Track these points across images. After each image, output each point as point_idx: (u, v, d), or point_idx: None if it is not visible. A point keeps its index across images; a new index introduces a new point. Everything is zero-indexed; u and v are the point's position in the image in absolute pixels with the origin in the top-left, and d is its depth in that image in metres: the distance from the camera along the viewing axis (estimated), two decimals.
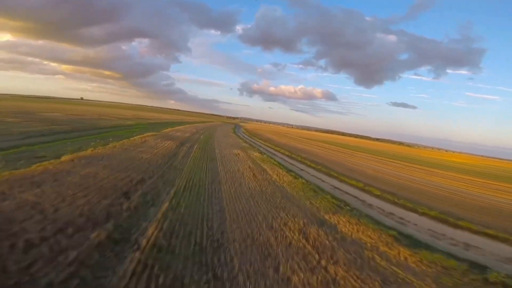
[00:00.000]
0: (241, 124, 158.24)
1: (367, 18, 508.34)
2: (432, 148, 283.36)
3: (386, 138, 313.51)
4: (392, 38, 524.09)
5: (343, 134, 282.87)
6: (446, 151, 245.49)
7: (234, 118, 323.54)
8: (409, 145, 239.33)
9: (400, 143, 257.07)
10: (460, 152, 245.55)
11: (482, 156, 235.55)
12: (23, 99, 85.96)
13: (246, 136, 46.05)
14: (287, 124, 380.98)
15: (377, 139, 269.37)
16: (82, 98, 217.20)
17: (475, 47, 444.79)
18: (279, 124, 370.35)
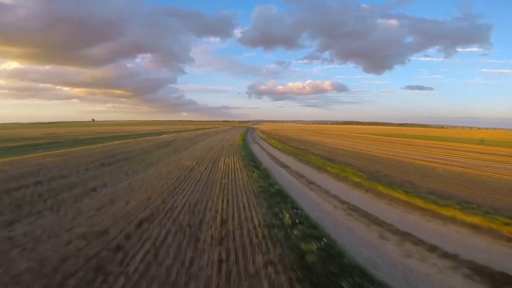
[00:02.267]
0: (254, 126, 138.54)
1: (364, 5, 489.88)
2: (463, 127, 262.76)
3: (410, 122, 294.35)
4: (393, 22, 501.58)
5: (363, 123, 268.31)
6: (479, 128, 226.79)
7: (246, 122, 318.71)
8: (437, 127, 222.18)
9: (426, 126, 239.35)
10: (487, 128, 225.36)
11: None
12: (49, 126, 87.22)
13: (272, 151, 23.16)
14: (301, 121, 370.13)
15: (401, 125, 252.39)
16: (93, 120, 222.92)
17: (480, 23, 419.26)
18: (292, 122, 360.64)
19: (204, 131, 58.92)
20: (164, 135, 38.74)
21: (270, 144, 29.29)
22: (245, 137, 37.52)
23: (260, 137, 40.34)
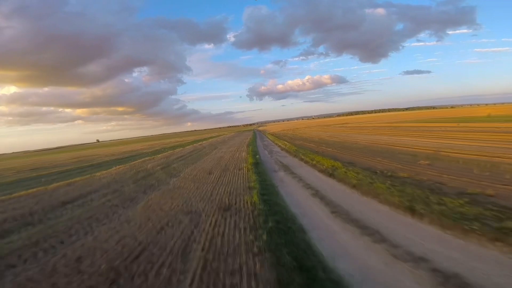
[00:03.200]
0: (260, 129, 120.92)
1: None
2: (471, 105, 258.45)
3: (416, 106, 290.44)
4: (381, 11, 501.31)
5: (369, 112, 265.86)
6: (486, 104, 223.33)
7: (250, 125, 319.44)
8: (445, 108, 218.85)
9: (432, 107, 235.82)
10: (494, 104, 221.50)
11: None
12: (59, 151, 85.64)
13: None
14: (306, 117, 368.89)
15: (407, 109, 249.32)
16: (98, 141, 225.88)
17: (464, 6, 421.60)
18: (297, 119, 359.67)
19: (200, 144, 42.22)
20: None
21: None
22: (255, 151, 20.58)
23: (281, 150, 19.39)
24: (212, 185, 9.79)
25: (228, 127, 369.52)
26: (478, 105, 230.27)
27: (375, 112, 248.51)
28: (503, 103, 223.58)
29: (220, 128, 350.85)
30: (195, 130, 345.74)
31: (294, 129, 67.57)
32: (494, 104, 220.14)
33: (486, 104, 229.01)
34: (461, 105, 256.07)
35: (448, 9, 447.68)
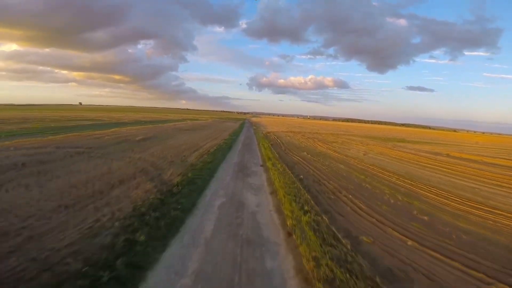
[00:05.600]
0: (253, 119, 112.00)
1: (374, 3, 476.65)
2: (467, 130, 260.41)
3: (411, 122, 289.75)
4: (402, 22, 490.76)
5: (365, 121, 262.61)
6: (474, 132, 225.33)
7: (245, 113, 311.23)
8: (438, 129, 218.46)
9: (428, 127, 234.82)
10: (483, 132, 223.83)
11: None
12: (42, 108, 78.66)
13: None
14: (300, 116, 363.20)
15: (403, 124, 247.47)
16: (80, 103, 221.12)
17: (490, 27, 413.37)
18: (292, 116, 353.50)
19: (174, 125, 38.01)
20: None
21: None
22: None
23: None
24: None
25: (222, 111, 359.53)
26: (474, 132, 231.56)
27: (371, 123, 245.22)
28: (491, 133, 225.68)
29: (214, 111, 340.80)
30: (187, 109, 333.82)
31: (312, 133, 42.04)
32: (483, 133, 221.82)
33: (475, 132, 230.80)
34: (454, 129, 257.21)
35: (474, 28, 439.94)
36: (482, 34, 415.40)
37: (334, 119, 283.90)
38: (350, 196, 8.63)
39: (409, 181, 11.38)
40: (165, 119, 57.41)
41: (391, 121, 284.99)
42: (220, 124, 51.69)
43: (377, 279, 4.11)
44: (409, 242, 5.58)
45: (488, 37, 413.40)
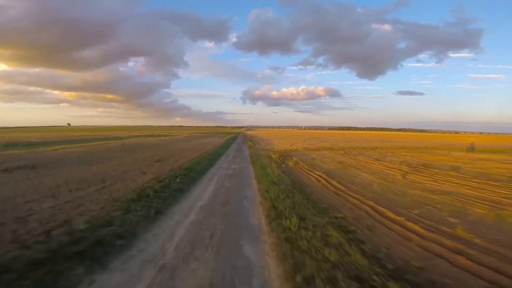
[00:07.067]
0: (248, 133, 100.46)
1: (359, 10, 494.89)
2: (465, 132, 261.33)
3: (407, 127, 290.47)
4: (387, 27, 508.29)
5: (362, 129, 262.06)
6: (465, 132, 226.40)
7: (239, 127, 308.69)
8: (435, 132, 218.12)
9: (423, 131, 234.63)
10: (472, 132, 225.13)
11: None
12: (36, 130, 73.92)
13: None
14: (296, 127, 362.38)
15: (399, 130, 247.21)
16: (69, 124, 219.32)
17: (471, 28, 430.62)
18: (287, 127, 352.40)
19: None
20: None
21: None
22: None
23: None
24: None
25: (216, 126, 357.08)
26: (464, 132, 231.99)
27: (367, 130, 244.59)
28: (481, 133, 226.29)
29: (208, 126, 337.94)
30: (181, 126, 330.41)
31: (349, 149, 27.04)
32: (472, 132, 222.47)
33: (465, 132, 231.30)
34: (447, 131, 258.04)
35: (456, 30, 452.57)
36: (464, 35, 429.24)
37: (330, 128, 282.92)
38: None
39: None
40: (120, 136, 50.70)
41: (385, 126, 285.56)
42: (192, 141, 37.07)
43: None
44: None
45: (470, 38, 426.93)
